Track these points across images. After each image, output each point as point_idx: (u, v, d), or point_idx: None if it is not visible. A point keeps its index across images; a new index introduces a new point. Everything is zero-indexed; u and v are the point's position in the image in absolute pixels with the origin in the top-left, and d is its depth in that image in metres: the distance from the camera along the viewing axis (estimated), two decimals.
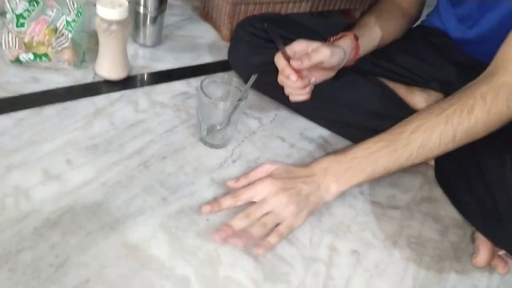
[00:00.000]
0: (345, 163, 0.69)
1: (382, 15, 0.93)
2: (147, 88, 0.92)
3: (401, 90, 0.96)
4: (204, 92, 0.75)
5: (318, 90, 0.84)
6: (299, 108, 0.96)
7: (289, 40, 0.80)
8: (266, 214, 0.66)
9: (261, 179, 0.69)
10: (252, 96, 0.98)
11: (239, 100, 0.76)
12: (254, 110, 0.95)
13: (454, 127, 0.66)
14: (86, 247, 0.60)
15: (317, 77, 0.82)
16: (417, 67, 0.96)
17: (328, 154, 0.73)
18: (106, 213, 0.65)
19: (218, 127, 0.80)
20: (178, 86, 0.95)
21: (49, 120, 0.78)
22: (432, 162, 0.90)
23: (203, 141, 0.82)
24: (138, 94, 0.90)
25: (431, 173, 0.90)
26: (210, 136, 0.81)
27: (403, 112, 0.79)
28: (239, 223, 0.65)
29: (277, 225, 0.66)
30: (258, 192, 0.67)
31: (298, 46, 0.77)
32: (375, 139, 0.70)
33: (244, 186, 0.70)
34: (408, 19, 0.98)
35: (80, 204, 0.65)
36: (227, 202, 0.68)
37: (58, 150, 0.73)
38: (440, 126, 0.67)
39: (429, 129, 0.67)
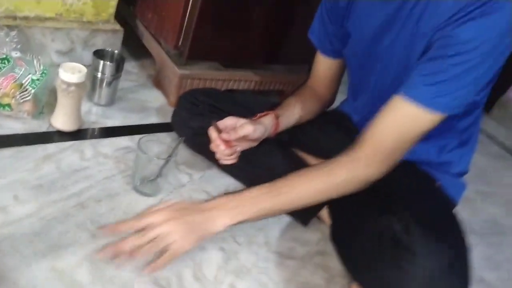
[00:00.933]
0: (235, 202, 0.82)
1: (301, 99, 1.14)
2: (94, 141, 1.07)
3: (310, 160, 1.15)
4: (141, 147, 0.91)
5: (243, 154, 1.01)
6: (226, 168, 1.13)
7: (223, 112, 1.01)
8: (157, 237, 0.76)
9: (159, 208, 0.81)
10: (187, 155, 1.15)
11: (169, 156, 0.92)
12: (187, 166, 1.11)
13: (323, 183, 0.84)
14: (20, 269, 0.71)
15: (243, 146, 1.00)
16: (326, 144, 1.16)
17: (224, 194, 0.89)
18: (41, 242, 0.77)
19: (150, 178, 0.95)
20: (122, 141, 1.11)
21: (3, 160, 0.91)
22: (328, 221, 1.07)
23: (136, 189, 0.97)
24: (85, 145, 1.05)
25: (328, 231, 1.07)
26: (143, 185, 0.96)
27: None
28: (130, 243, 0.75)
29: (166, 246, 0.76)
30: (153, 219, 0.78)
31: (229, 121, 0.96)
32: (266, 185, 0.86)
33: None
34: (322, 103, 1.20)
35: (19, 232, 0.77)
36: (125, 226, 0.79)
37: (8, 186, 0.85)
38: (314, 180, 0.84)
39: (306, 182, 0.84)
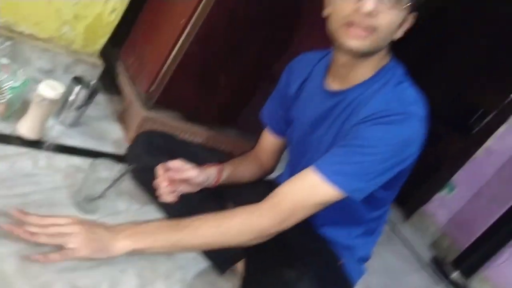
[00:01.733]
0: (137, 229, 0.90)
1: (245, 162, 1.30)
2: (50, 154, 1.16)
3: None
4: (92, 167, 1.02)
5: (181, 197, 1.11)
6: (163, 207, 1.24)
7: (174, 157, 1.14)
8: (59, 234, 0.83)
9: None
10: (131, 186, 1.25)
11: (115, 180, 1.04)
12: (128, 196, 1.22)
13: (219, 224, 0.92)
14: None
15: (184, 188, 1.12)
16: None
17: (133, 222, 0.96)
18: None
19: (92, 198, 1.05)
20: (76, 160, 1.21)
21: None
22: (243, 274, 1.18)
23: (76, 204, 1.06)
24: (41, 155, 1.14)
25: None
26: (83, 202, 1.06)
27: None
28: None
29: (63, 244, 0.83)
30: (62, 220, 0.86)
31: (176, 163, 1.09)
32: (171, 220, 0.95)
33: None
34: (262, 171, 1.36)
35: None
36: (32, 219, 0.86)
37: None
38: (211, 221, 0.92)
39: (204, 221, 0.92)
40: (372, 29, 0.90)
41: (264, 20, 1.44)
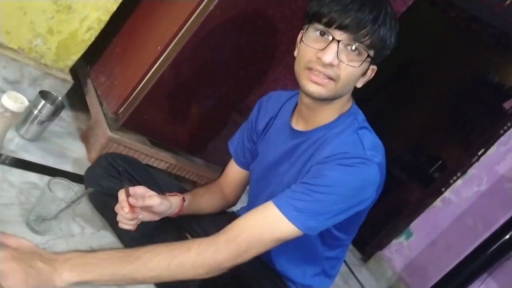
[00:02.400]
0: (84, 259, 0.82)
1: (208, 192, 1.29)
2: (5, 167, 1.11)
3: None
4: (49, 186, 0.97)
5: (140, 226, 1.09)
6: (120, 233, 1.19)
7: (135, 182, 1.11)
8: None
9: (8, 243, 0.79)
10: (87, 209, 1.20)
11: (72, 202, 0.99)
12: (83, 219, 1.16)
13: (172, 257, 0.87)
14: None
15: (145, 216, 1.08)
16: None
17: (77, 250, 0.89)
18: None
19: (46, 218, 1.00)
20: (32, 177, 1.15)
21: None
22: None
23: (28, 223, 1.00)
24: None
25: None
26: (36, 222, 1.00)
27: None
28: None
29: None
30: None
31: (139, 190, 1.05)
32: (121, 250, 0.90)
33: None
34: (225, 203, 1.34)
35: None
36: None
37: None
38: (163, 253, 0.87)
39: (155, 253, 0.87)
40: (332, 78, 0.94)
41: (241, 55, 1.46)
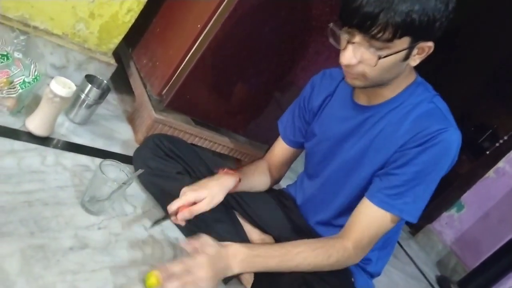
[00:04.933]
0: (250, 257, 0.95)
1: (258, 171, 1.28)
2: (58, 151, 1.14)
3: (247, 227, 1.26)
4: (101, 168, 0.99)
5: None
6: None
7: (182, 162, 1.17)
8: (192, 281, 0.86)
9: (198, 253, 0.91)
10: (138, 189, 1.23)
11: (124, 183, 1.01)
12: (135, 199, 1.19)
13: (317, 262, 0.99)
14: None
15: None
16: (264, 215, 1.28)
17: (240, 243, 0.99)
18: None
19: (99, 199, 1.03)
20: (83, 159, 1.19)
21: None
22: (248, 286, 1.15)
23: (83, 204, 1.03)
24: (49, 152, 1.12)
25: None
26: (90, 203, 1.03)
27: (243, 242, 1.11)
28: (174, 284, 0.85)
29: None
30: (194, 262, 0.89)
31: (187, 199, 1.02)
32: (273, 248, 1.00)
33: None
34: (273, 180, 1.34)
35: None
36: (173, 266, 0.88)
37: None
38: (311, 258, 0.98)
39: (305, 257, 0.98)
40: (359, 75, 0.95)
41: (282, 28, 1.42)
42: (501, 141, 2.42)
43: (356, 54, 0.91)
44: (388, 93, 1.04)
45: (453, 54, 4.04)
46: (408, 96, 1.03)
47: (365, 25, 0.86)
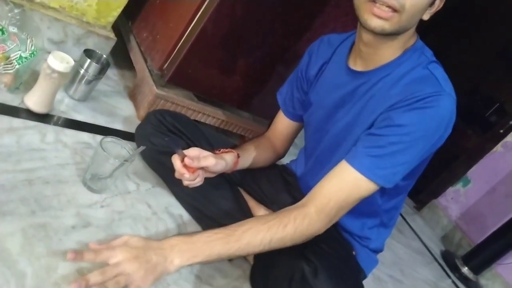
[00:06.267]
0: (189, 244, 0.86)
1: (259, 147, 1.25)
2: (58, 128, 1.12)
3: (251, 203, 1.25)
4: (102, 145, 0.97)
5: None
6: (174, 190, 1.19)
7: (185, 138, 1.13)
8: (119, 275, 0.78)
9: (119, 245, 0.82)
10: (141, 166, 1.21)
11: (125, 160, 0.99)
12: (137, 176, 1.17)
13: (271, 235, 0.90)
14: None
15: (201, 176, 1.05)
16: (268, 191, 1.26)
17: (178, 234, 0.94)
18: None
19: (101, 176, 1.01)
20: (84, 136, 1.16)
21: None
22: (252, 262, 1.15)
23: (84, 182, 1.01)
24: (49, 130, 1.09)
25: (248, 269, 1.15)
26: (92, 181, 1.01)
27: (247, 218, 1.03)
28: (95, 278, 0.77)
29: (127, 285, 0.79)
30: (115, 255, 0.80)
31: (193, 152, 1.02)
32: (216, 231, 0.91)
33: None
34: (275, 155, 1.31)
35: None
36: (89, 256, 0.80)
37: None
38: (262, 232, 0.90)
39: (255, 233, 0.90)
40: (396, 9, 0.85)
41: (284, 3, 1.37)
42: (508, 114, 2.37)
43: None
44: (390, 53, 0.97)
45: (464, 25, 3.94)
46: (404, 61, 0.96)
47: None
